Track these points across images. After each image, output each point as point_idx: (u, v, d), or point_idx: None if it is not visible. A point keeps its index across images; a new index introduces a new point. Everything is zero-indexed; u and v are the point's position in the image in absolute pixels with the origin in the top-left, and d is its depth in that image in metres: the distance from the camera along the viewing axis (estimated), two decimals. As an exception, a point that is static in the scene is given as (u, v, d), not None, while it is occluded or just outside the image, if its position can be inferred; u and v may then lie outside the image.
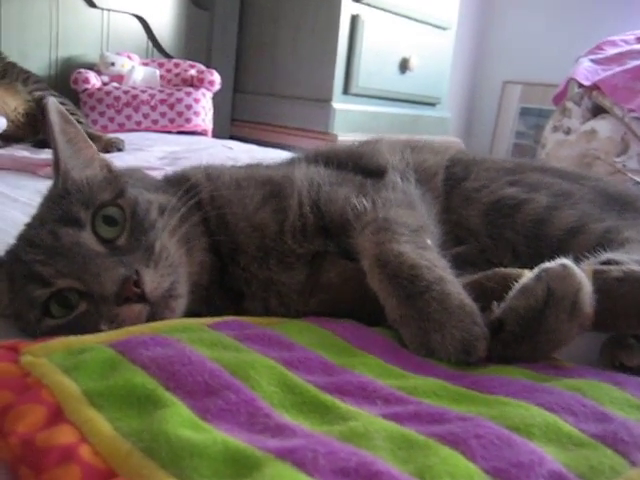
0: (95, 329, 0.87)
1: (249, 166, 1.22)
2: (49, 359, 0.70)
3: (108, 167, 1.05)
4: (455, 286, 0.86)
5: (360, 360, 0.75)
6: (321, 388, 0.67)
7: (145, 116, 3.61)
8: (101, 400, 0.61)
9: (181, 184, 1.06)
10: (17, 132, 3.04)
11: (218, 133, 4.00)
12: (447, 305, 0.83)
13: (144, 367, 0.66)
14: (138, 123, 3.60)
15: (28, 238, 0.94)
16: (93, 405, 0.61)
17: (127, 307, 0.86)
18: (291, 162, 1.24)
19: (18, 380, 0.66)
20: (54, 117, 0.98)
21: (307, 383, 0.67)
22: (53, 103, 0.99)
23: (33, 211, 1.66)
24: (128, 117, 3.58)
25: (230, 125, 4.54)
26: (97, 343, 0.74)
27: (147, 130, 3.58)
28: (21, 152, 2.50)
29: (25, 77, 3.27)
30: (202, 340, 0.74)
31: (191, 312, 0.94)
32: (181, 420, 0.57)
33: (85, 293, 0.88)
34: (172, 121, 3.66)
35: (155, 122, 3.63)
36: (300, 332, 0.82)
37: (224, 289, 1.03)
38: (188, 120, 3.68)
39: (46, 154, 2.52)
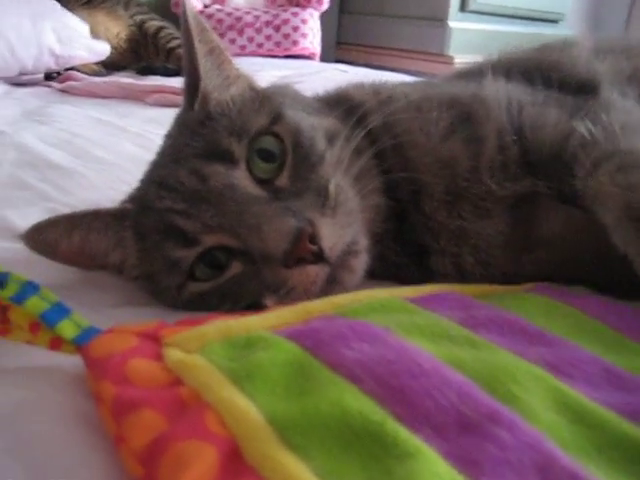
0: (254, 297, 0.67)
1: (423, 83, 0.96)
2: (206, 356, 0.48)
3: (251, 85, 0.82)
4: None
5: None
6: (626, 416, 0.43)
7: (250, 39, 3.38)
8: (299, 437, 0.39)
9: (342, 106, 0.82)
10: (120, 59, 2.87)
11: (323, 57, 3.72)
12: None
13: (353, 378, 0.43)
14: (242, 47, 3.37)
15: (160, 180, 0.72)
16: (289, 445, 0.39)
17: (300, 270, 0.64)
18: (472, 75, 0.97)
19: (168, 393, 0.45)
20: (191, 20, 0.75)
21: (600, 406, 0.43)
22: (189, 2, 0.76)
23: (145, 142, 1.47)
24: (232, 41, 3.35)
25: (335, 49, 4.26)
26: (267, 329, 0.52)
27: (252, 54, 3.34)
28: (126, 79, 2.31)
29: (126, 0, 3.08)
30: (419, 329, 0.51)
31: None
32: (443, 486, 0.34)
33: (240, 251, 0.67)
34: (278, 44, 3.41)
35: (260, 46, 3.39)
36: (546, 313, 0.57)
37: (401, 241, 0.79)
38: (295, 43, 3.42)
39: (152, 81, 2.33)
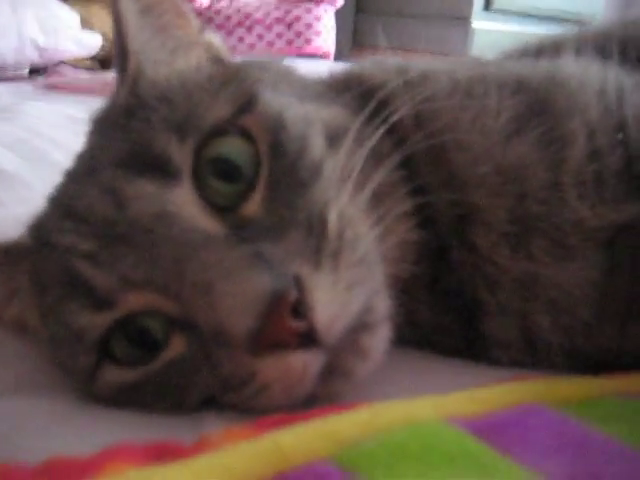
0: (207, 393, 0.44)
1: (470, 60, 0.69)
2: None
3: (217, 55, 0.56)
4: None
5: None
6: None
7: (259, 37, 3.14)
8: None
9: (354, 90, 0.55)
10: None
11: (337, 58, 3.48)
12: None
13: None
14: (251, 46, 3.13)
15: (65, 202, 0.47)
16: None
17: (276, 360, 0.39)
18: (542, 53, 0.70)
19: None
20: None
21: None
22: None
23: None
24: (240, 39, 3.11)
25: (351, 49, 4.02)
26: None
27: (261, 53, 3.11)
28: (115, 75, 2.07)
29: (124, -9, 2.85)
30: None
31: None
32: None
33: (183, 321, 0.42)
34: (290, 43, 3.16)
35: (270, 44, 3.15)
36: None
37: (439, 291, 0.53)
38: (308, 41, 3.17)
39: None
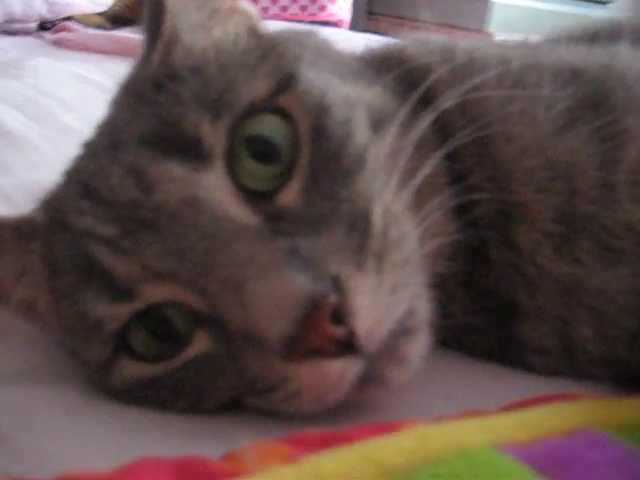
0: (229, 395, 0.41)
1: (520, 45, 0.65)
2: None
3: (252, 27, 0.52)
4: None
5: None
6: None
7: (273, 1, 3.08)
8: None
9: (394, 69, 0.51)
10: (127, 12, 2.55)
11: (352, 27, 3.41)
12: None
13: None
14: (264, 9, 3.07)
15: (83, 179, 0.43)
16: None
17: (312, 366, 0.36)
18: (597, 35, 0.66)
19: None
20: None
21: None
22: None
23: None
24: (254, 2, 3.03)
25: (366, 18, 3.94)
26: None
27: (274, 18, 3.03)
28: (125, 34, 2.01)
29: (138, -54, 2.77)
30: None
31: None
32: None
33: (208, 316, 0.39)
34: (304, 9, 3.11)
35: (284, 9, 3.09)
36: None
37: (475, 291, 0.50)
38: (322, 8, 3.12)
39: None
